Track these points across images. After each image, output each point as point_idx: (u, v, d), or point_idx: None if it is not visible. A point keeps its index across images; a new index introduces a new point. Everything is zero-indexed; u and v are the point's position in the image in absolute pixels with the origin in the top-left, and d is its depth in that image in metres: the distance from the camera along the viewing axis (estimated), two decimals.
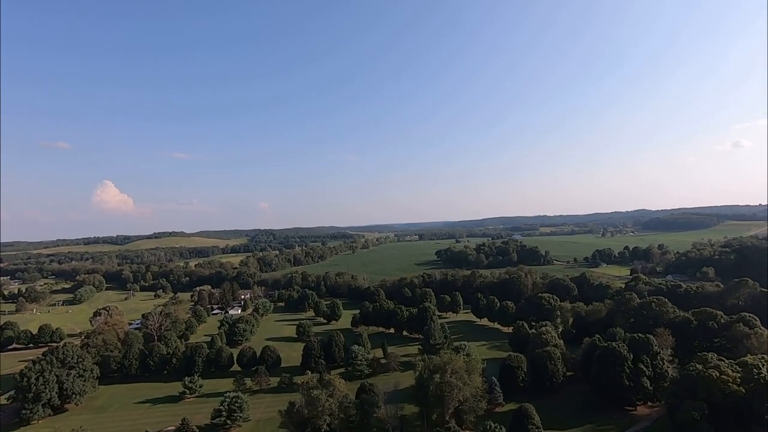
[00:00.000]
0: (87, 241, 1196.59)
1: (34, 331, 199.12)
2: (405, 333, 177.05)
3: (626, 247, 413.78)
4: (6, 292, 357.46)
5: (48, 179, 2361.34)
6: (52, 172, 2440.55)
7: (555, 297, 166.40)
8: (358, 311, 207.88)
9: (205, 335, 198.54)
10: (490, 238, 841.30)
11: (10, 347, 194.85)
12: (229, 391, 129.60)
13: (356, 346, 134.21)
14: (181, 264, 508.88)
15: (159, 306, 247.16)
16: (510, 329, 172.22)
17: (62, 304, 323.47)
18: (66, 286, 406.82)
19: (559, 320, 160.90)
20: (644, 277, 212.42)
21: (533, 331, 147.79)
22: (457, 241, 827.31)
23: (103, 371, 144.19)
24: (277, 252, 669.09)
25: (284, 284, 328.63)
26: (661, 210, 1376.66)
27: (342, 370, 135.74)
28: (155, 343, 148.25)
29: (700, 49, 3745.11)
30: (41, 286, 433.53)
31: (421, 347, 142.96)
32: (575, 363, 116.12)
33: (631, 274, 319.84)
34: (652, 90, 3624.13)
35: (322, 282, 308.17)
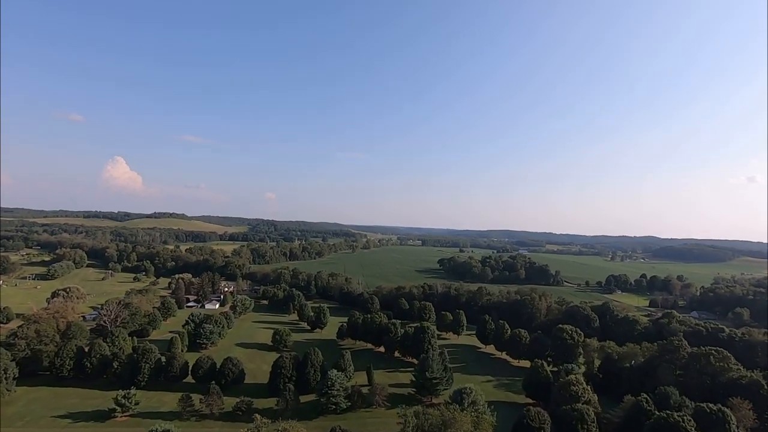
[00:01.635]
0: (87, 215, 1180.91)
1: None
2: (397, 354, 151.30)
3: (643, 275, 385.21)
4: None
5: (59, 150, 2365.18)
6: (63, 144, 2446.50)
7: (578, 330, 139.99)
8: (346, 320, 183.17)
9: (170, 331, 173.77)
10: (495, 251, 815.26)
11: None
12: (171, 411, 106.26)
13: (334, 372, 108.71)
14: (171, 247, 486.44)
15: (131, 290, 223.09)
16: (521, 362, 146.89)
17: (33, 278, 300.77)
18: (46, 258, 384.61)
19: (582, 359, 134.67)
20: (677, 314, 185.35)
21: (553, 368, 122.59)
22: (461, 251, 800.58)
23: (30, 369, 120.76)
24: (274, 244, 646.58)
25: (273, 279, 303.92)
26: (671, 239, 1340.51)
27: (314, 397, 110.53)
28: (97, 340, 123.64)
29: (718, 79, 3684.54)
30: (22, 256, 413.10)
31: (414, 378, 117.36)
32: (610, 424, 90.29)
33: (650, 306, 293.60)
34: (665, 115, 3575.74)
35: (313, 282, 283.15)
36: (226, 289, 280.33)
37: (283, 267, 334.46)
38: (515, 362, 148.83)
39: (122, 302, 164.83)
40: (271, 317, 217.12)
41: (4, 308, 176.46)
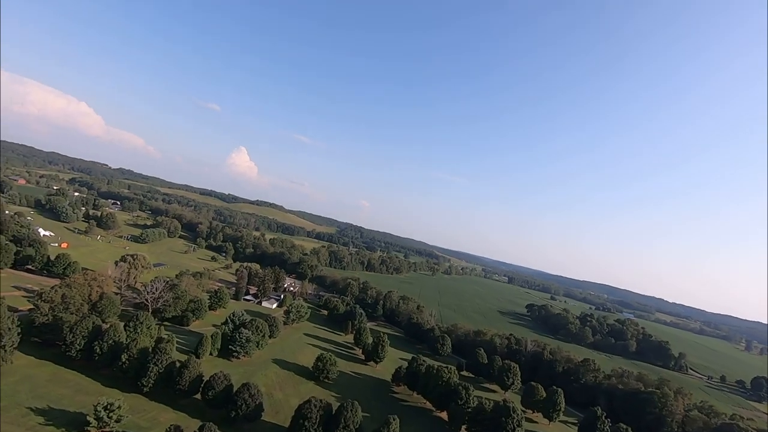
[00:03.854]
0: (203, 192, 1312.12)
1: (53, 258, 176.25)
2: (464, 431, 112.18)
3: None
4: (96, 213, 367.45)
5: (196, 134, 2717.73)
6: (201, 129, 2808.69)
7: None
8: (408, 359, 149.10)
9: (213, 324, 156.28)
10: (593, 307, 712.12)
11: (24, 267, 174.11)
12: None
13: None
14: (257, 234, 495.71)
15: (186, 271, 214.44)
16: None
17: (128, 238, 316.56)
18: (148, 223, 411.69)
19: None
20: None
21: None
22: (553, 298, 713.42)
23: (49, 337, 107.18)
24: (355, 250, 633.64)
25: (341, 288, 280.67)
26: None
27: None
28: (116, 323, 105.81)
29: None
30: (132, 216, 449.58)
31: None
32: None
33: None
34: None
35: (382, 302, 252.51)
36: (292, 288, 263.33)
37: (354, 277, 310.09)
38: None
39: (169, 282, 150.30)
40: (325, 333, 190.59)
41: (72, 262, 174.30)
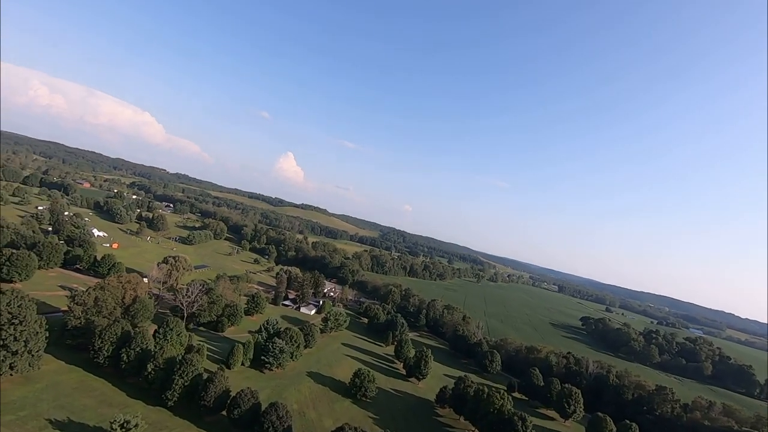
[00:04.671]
0: (251, 196, 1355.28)
1: (99, 258, 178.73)
2: None
3: None
4: (148, 215, 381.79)
5: (247, 139, 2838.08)
6: (252, 135, 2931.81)
7: None
8: (453, 376, 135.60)
9: (249, 331, 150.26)
10: (654, 321, 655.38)
11: (74, 267, 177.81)
12: None
13: None
14: (300, 237, 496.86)
15: (222, 275, 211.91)
16: None
17: (176, 240, 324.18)
18: (196, 225, 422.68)
19: None
20: None
21: None
22: (608, 310, 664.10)
23: (81, 341, 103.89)
24: (398, 255, 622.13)
25: (382, 295, 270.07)
26: None
27: None
28: (143, 329, 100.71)
29: None
30: (182, 218, 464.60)
31: None
32: None
33: None
34: None
35: (425, 311, 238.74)
36: (332, 293, 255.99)
37: (396, 283, 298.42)
38: None
39: (205, 286, 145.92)
40: (365, 343, 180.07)
41: (117, 262, 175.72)
